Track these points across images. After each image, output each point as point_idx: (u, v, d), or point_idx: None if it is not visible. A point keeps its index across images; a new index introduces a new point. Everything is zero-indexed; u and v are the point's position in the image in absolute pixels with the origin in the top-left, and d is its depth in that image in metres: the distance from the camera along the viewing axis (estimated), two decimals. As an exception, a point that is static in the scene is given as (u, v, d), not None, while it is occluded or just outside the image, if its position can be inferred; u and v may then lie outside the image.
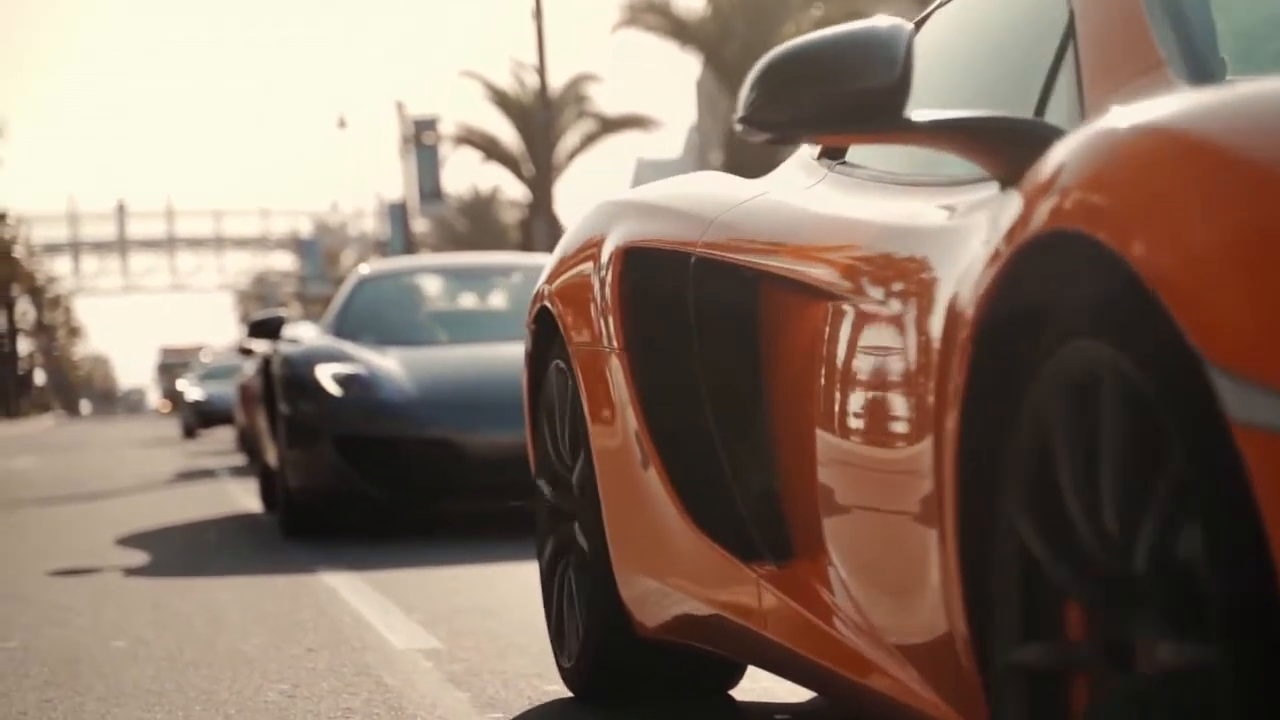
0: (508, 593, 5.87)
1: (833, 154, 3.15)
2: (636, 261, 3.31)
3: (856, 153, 3.09)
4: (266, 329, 9.48)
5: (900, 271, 2.42)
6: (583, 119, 44.57)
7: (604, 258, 3.40)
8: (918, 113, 2.33)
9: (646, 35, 37.42)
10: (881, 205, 2.70)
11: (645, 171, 76.73)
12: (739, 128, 2.40)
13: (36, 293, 74.85)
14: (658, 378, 3.21)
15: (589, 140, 44.38)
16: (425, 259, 12.18)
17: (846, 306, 2.55)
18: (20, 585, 6.87)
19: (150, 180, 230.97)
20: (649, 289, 3.26)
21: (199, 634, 5.19)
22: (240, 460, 18.35)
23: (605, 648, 3.52)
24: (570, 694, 3.84)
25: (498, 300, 10.10)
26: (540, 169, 35.82)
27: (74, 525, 10.25)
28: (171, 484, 14.97)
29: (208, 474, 16.52)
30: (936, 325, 2.19)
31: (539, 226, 34.85)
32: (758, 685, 3.78)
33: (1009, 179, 2.21)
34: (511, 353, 8.14)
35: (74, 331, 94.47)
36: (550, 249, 10.61)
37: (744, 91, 2.39)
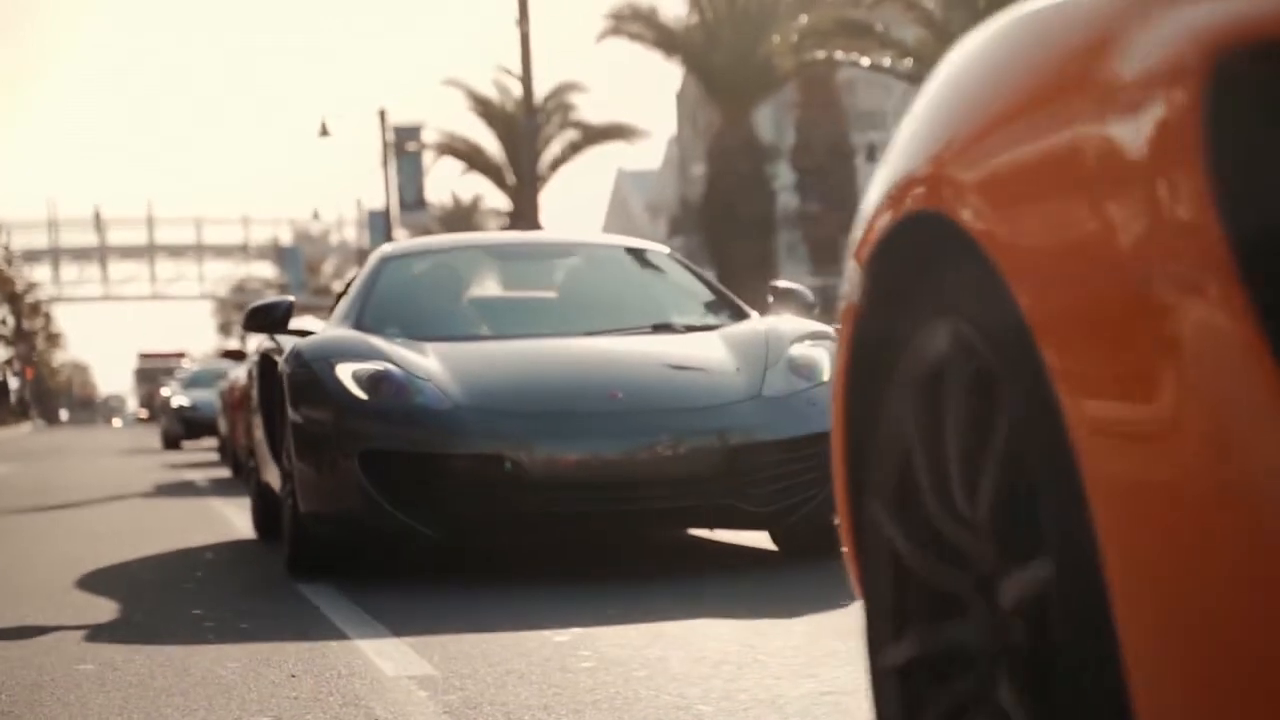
0: (502, 613, 5.50)
1: None
2: None
3: None
4: (268, 318, 7.65)
5: None
6: (566, 129, 44.24)
7: (1167, 77, 1.35)
8: None
9: (629, 46, 37.17)
10: None
11: (626, 182, 76.61)
12: None
13: (15, 299, 74.39)
14: None
15: (573, 150, 44.04)
16: (461, 236, 9.99)
17: None
18: (-16, 600, 6.49)
19: (131, 187, 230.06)
20: None
21: (172, 657, 4.83)
22: (224, 473, 17.82)
23: None
24: (580, 730, 3.48)
25: (549, 287, 8.26)
26: (524, 179, 35.50)
27: (44, 538, 9.86)
28: (150, 496, 14.56)
29: (188, 486, 16.11)
30: None
31: (523, 235, 34.45)
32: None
33: None
34: (573, 349, 6.97)
35: (53, 338, 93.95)
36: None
37: None
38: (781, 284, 7.87)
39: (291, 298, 8.05)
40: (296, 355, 6.90)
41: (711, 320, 7.52)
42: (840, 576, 6.21)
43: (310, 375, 6.71)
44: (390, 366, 6.62)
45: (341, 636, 5.07)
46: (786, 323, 7.20)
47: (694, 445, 6.32)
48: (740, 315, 7.59)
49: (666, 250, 8.55)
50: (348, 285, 8.30)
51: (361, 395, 6.51)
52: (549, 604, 5.64)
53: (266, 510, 8.57)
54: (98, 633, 5.41)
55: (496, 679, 4.24)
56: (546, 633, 4.97)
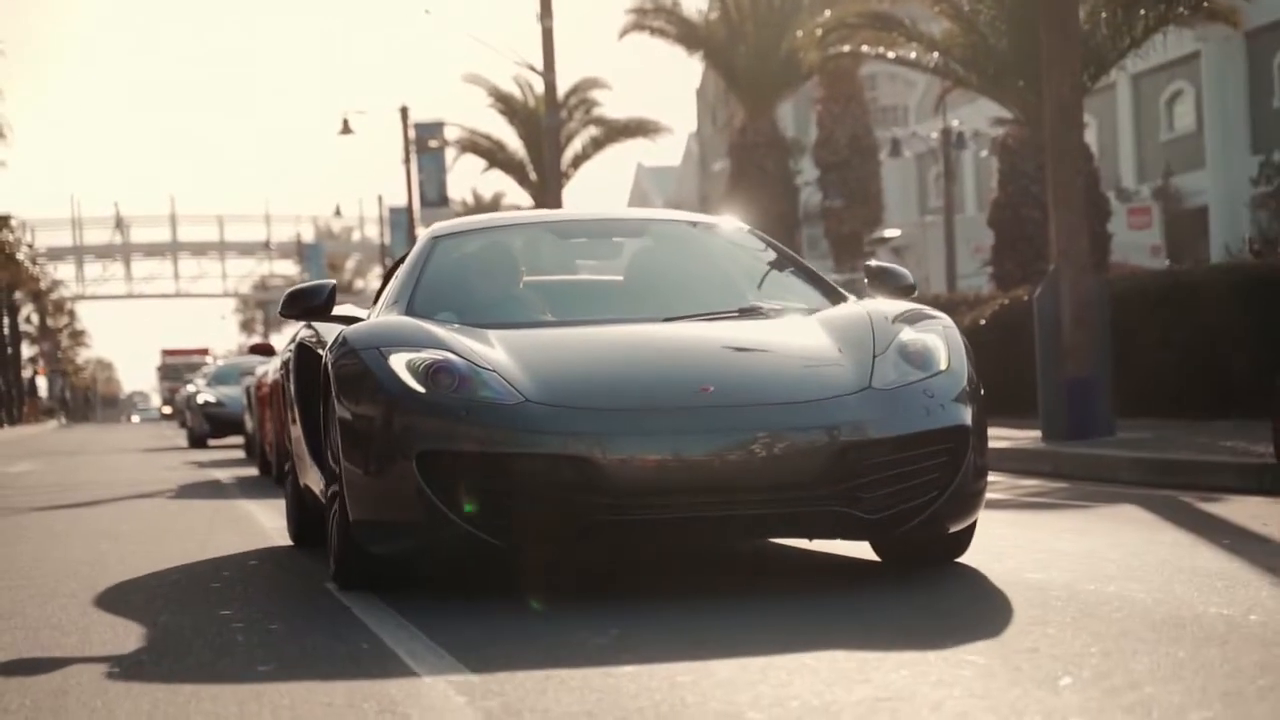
0: (540, 615, 5.35)
1: None
2: None
3: None
4: (309, 304, 6.86)
5: None
6: (588, 125, 44.09)
7: None
8: None
9: (646, 42, 37.02)
10: None
11: (645, 178, 76.41)
12: None
13: (40, 297, 74.53)
14: None
15: (595, 146, 43.90)
16: (518, 214, 8.87)
17: None
18: (7, 599, 6.37)
19: (154, 185, 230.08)
20: None
21: (201, 660, 4.70)
22: (251, 471, 17.55)
23: None
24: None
25: (617, 267, 7.38)
26: (546, 175, 35.36)
27: (67, 537, 9.75)
28: (175, 496, 14.46)
29: (214, 485, 16.00)
30: None
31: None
32: None
33: None
34: (654, 336, 6.19)
35: (77, 336, 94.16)
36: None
37: None
38: (875, 264, 7.02)
39: (334, 281, 7.18)
40: (343, 343, 6.13)
41: (804, 303, 6.70)
42: (891, 576, 6.02)
43: (360, 366, 5.92)
44: (450, 355, 5.79)
45: (375, 639, 4.93)
46: (890, 305, 6.41)
47: (797, 444, 5.51)
48: (836, 297, 6.80)
49: (746, 226, 7.69)
50: (394, 267, 7.65)
51: (418, 388, 5.69)
52: (587, 606, 5.49)
53: (304, 516, 7.95)
54: (123, 636, 5.28)
55: (536, 684, 4.09)
56: (585, 635, 4.83)
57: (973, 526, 6.11)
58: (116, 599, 6.29)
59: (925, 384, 5.80)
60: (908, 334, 6.01)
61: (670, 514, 5.49)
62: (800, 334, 6.17)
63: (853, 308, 6.47)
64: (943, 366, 5.90)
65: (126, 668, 4.61)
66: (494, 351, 5.90)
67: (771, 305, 6.67)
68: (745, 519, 5.61)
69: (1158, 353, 15.54)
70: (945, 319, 6.26)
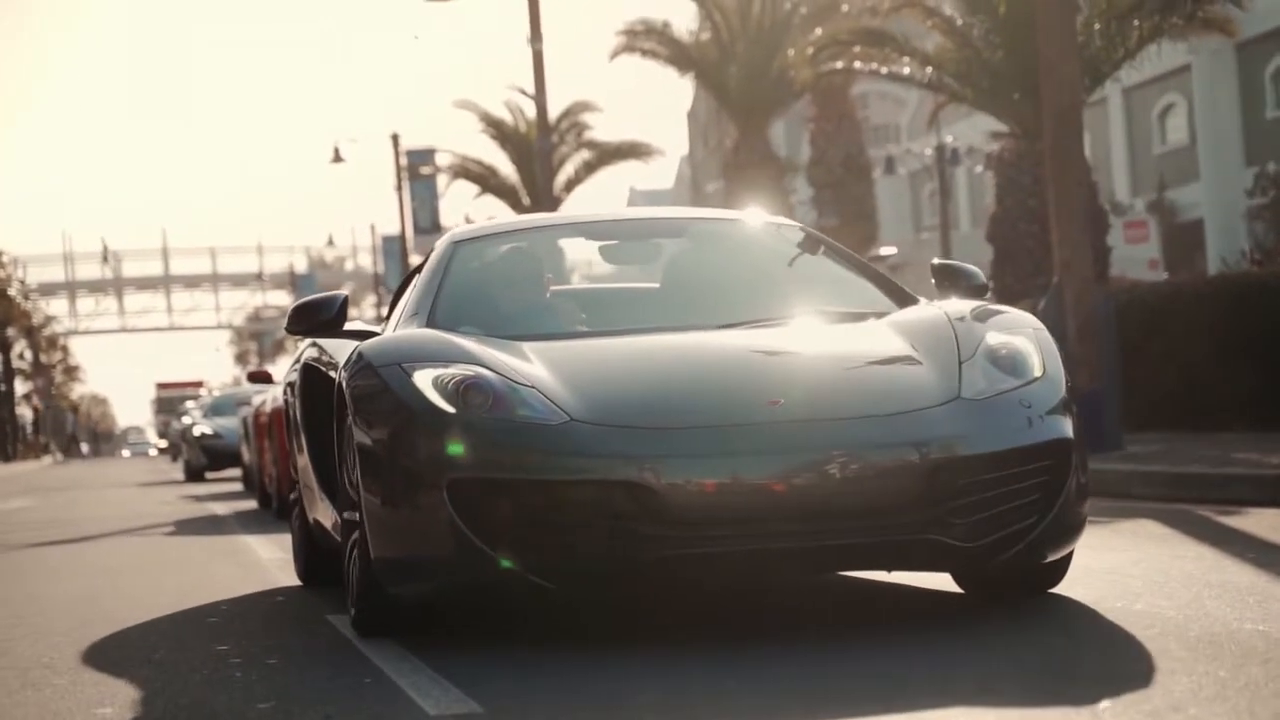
0: (550, 644, 5.16)
1: None
2: None
3: None
4: (318, 318, 6.22)
5: None
6: (580, 148, 43.99)
7: None
8: None
9: (636, 65, 36.98)
10: None
11: (639, 201, 76.41)
12: None
13: (32, 333, 74.38)
14: None
15: (588, 170, 43.79)
16: (544, 215, 7.94)
17: None
18: (-2, 641, 6.18)
19: (146, 218, 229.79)
20: None
21: (196, 698, 4.51)
22: (250, 504, 17.24)
23: None
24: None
25: (657, 272, 6.69)
26: (539, 200, 35.24)
27: (60, 574, 9.56)
28: (171, 531, 14.27)
29: (212, 519, 15.81)
30: None
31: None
32: None
33: None
34: (711, 345, 5.53)
35: (71, 372, 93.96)
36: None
37: None
38: (942, 262, 6.36)
39: (345, 292, 6.48)
40: (360, 360, 5.48)
41: (870, 306, 6.05)
42: (907, 598, 5.83)
43: (380, 385, 5.28)
44: (482, 370, 5.13)
45: (378, 672, 4.75)
46: (969, 306, 5.74)
47: (880, 463, 4.86)
48: (904, 299, 6.15)
49: (795, 222, 6.97)
50: (409, 278, 6.94)
51: (448, 408, 5.04)
52: (600, 633, 5.31)
53: (314, 554, 7.36)
54: (118, 674, 5.09)
55: (549, 718, 3.91)
56: (600, 665, 4.64)
57: (1069, 556, 5.47)
58: (111, 636, 6.10)
59: (1020, 393, 5.18)
60: (994, 337, 5.38)
61: (736, 545, 4.84)
62: (873, 339, 5.54)
63: (927, 310, 5.84)
64: (1037, 373, 5.30)
65: (119, 707, 4.42)
66: (531, 366, 5.26)
67: (834, 309, 6.03)
68: (822, 550, 4.93)
69: (1161, 365, 15.39)
70: (1032, 319, 5.67)
